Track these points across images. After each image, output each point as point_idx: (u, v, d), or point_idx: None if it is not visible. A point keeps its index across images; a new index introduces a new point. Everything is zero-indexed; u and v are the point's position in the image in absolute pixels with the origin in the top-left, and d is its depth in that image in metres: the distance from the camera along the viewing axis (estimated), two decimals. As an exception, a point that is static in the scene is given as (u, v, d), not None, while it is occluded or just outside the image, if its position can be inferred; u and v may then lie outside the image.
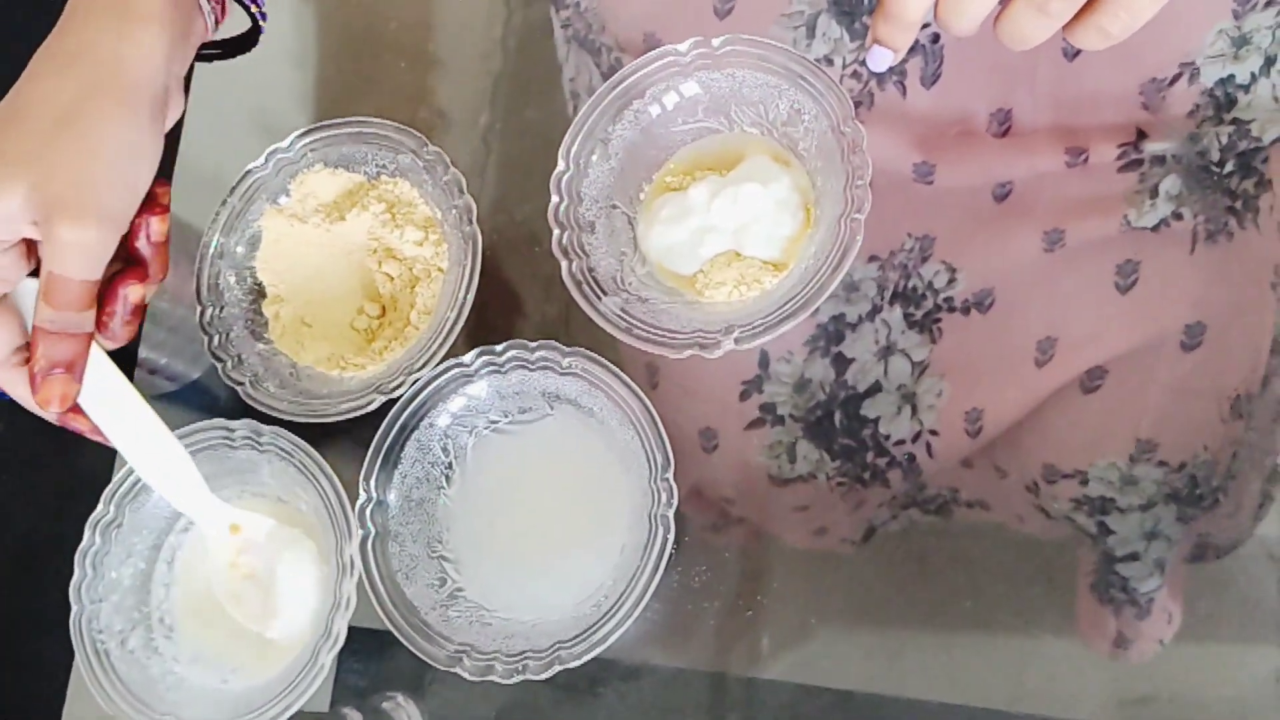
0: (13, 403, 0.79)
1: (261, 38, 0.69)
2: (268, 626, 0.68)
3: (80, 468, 0.78)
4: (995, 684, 0.62)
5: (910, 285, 0.69)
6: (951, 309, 0.69)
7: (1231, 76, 0.68)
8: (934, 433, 0.67)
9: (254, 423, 0.68)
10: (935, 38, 0.71)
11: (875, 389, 0.68)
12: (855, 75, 0.72)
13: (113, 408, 0.64)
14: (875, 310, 0.69)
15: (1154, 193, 0.68)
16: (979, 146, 0.71)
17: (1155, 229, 0.68)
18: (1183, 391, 0.65)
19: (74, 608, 0.68)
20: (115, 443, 0.65)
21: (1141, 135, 0.69)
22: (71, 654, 0.68)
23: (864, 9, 0.72)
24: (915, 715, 0.63)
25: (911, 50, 0.71)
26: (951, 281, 0.69)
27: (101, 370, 0.63)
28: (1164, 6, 0.67)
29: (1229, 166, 0.67)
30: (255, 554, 0.69)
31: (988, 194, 0.70)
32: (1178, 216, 0.67)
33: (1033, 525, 0.65)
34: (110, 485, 0.69)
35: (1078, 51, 0.69)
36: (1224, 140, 0.68)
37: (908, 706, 0.63)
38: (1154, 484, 0.64)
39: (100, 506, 0.69)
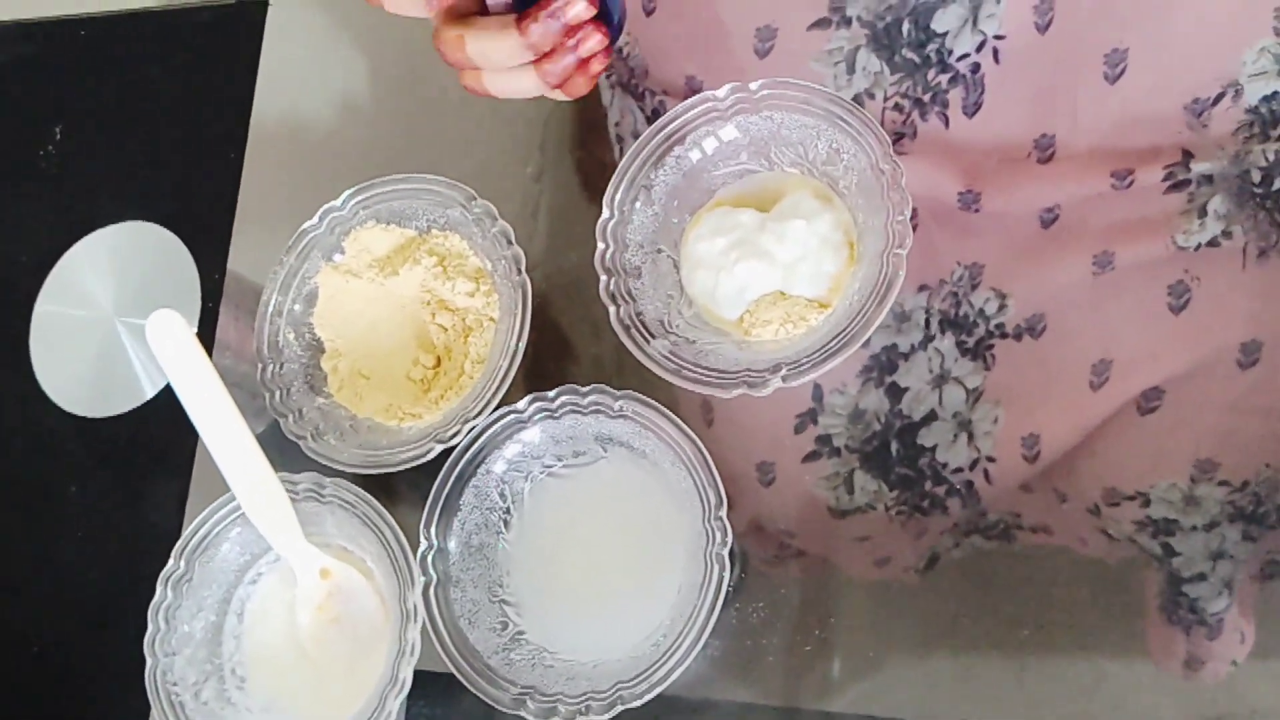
0: (84, 461, 0.81)
1: (312, 95, 0.70)
2: (349, 669, 0.70)
3: (151, 524, 0.80)
4: (1067, 708, 0.61)
5: (961, 313, 0.69)
6: (1004, 335, 0.68)
7: (1276, 94, 0.68)
8: (991, 459, 0.67)
9: (316, 475, 0.70)
10: (975, 67, 0.71)
11: (931, 417, 0.68)
12: (898, 108, 0.73)
13: (228, 446, 0.68)
14: (927, 339, 0.69)
15: (1202, 212, 0.67)
16: (1024, 173, 0.71)
17: (1205, 248, 0.67)
18: (1241, 409, 0.65)
19: (149, 661, 0.69)
20: (226, 475, 0.69)
21: (1187, 155, 0.68)
22: (148, 706, 0.69)
23: (903, 42, 0.72)
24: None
25: (952, 80, 0.71)
26: (1002, 308, 0.69)
27: (221, 408, 0.68)
28: (1203, 28, 0.67)
29: (1276, 184, 0.67)
30: (342, 600, 0.71)
31: (1034, 220, 0.70)
32: (1227, 235, 0.67)
33: (1096, 548, 0.64)
34: (180, 540, 0.71)
35: (1119, 75, 0.69)
36: (1270, 157, 0.67)
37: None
38: (1217, 503, 0.63)
39: (171, 562, 0.71)
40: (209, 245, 0.85)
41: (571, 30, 0.60)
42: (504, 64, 0.62)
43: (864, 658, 0.65)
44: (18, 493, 0.85)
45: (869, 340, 0.66)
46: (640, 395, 0.67)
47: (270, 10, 0.91)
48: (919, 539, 0.67)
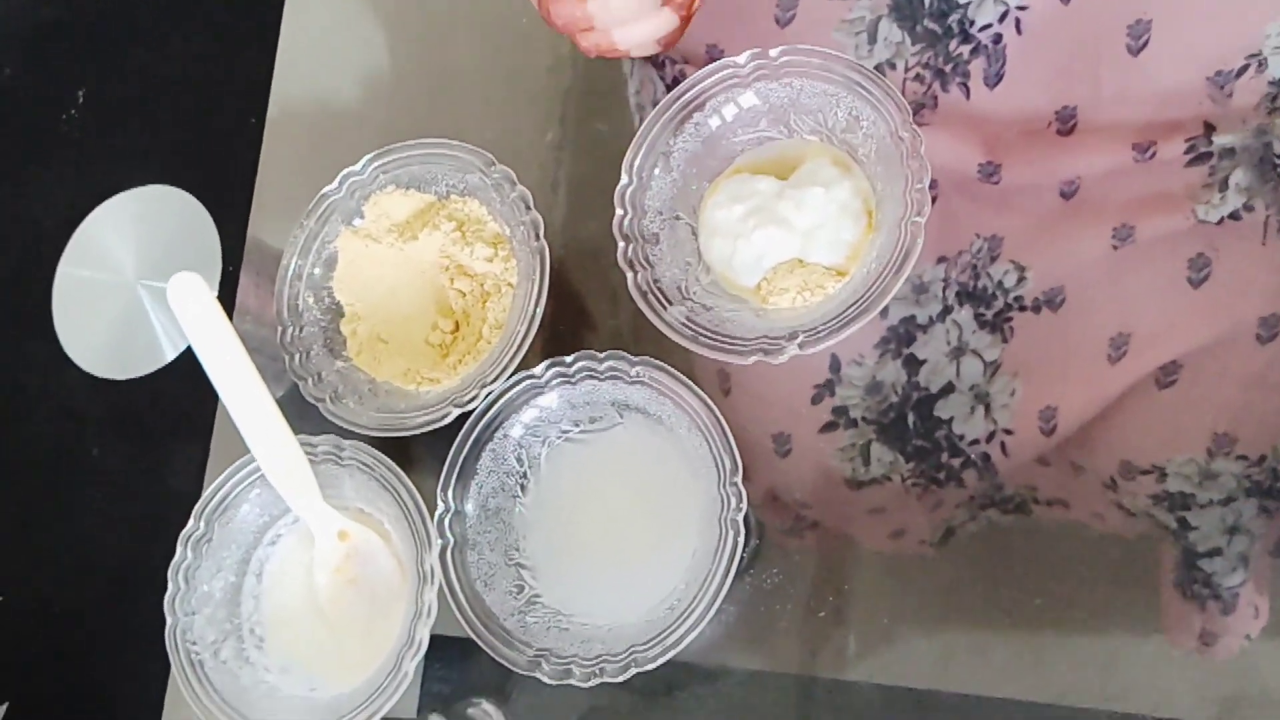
0: (106, 423, 0.82)
1: (333, 61, 0.70)
2: (366, 631, 0.70)
3: (171, 486, 0.81)
4: (1083, 683, 0.62)
5: (980, 285, 0.69)
6: (1022, 308, 0.68)
7: (1300, 66, 0.68)
8: (1008, 432, 0.67)
9: (335, 438, 0.70)
10: (997, 38, 0.71)
11: (948, 389, 0.68)
12: (918, 79, 0.72)
13: (248, 408, 0.69)
14: (946, 311, 0.69)
15: (1223, 185, 0.67)
16: (1044, 145, 0.71)
17: (1226, 222, 0.67)
18: (1259, 384, 0.64)
19: (168, 620, 0.70)
20: (246, 437, 0.69)
21: (1209, 128, 0.68)
22: (167, 665, 0.70)
23: (925, 12, 0.72)
24: (1003, 714, 0.62)
25: (974, 51, 0.71)
26: (1021, 280, 0.69)
27: (241, 371, 0.68)
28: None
29: (1299, 157, 0.67)
30: (359, 562, 0.71)
31: (1055, 192, 0.70)
32: (1249, 209, 0.66)
33: (1112, 522, 0.64)
34: (200, 501, 0.72)
35: (1142, 47, 0.69)
36: (1293, 131, 0.67)
37: (994, 706, 0.62)
38: (1233, 478, 0.63)
39: (191, 522, 0.71)
40: (230, 209, 0.85)
41: None
42: (627, 14, 0.62)
43: (878, 628, 0.65)
44: (40, 454, 0.86)
45: (886, 311, 0.66)
46: (657, 361, 0.68)
47: (293, -24, 0.91)
48: (935, 511, 0.67)
